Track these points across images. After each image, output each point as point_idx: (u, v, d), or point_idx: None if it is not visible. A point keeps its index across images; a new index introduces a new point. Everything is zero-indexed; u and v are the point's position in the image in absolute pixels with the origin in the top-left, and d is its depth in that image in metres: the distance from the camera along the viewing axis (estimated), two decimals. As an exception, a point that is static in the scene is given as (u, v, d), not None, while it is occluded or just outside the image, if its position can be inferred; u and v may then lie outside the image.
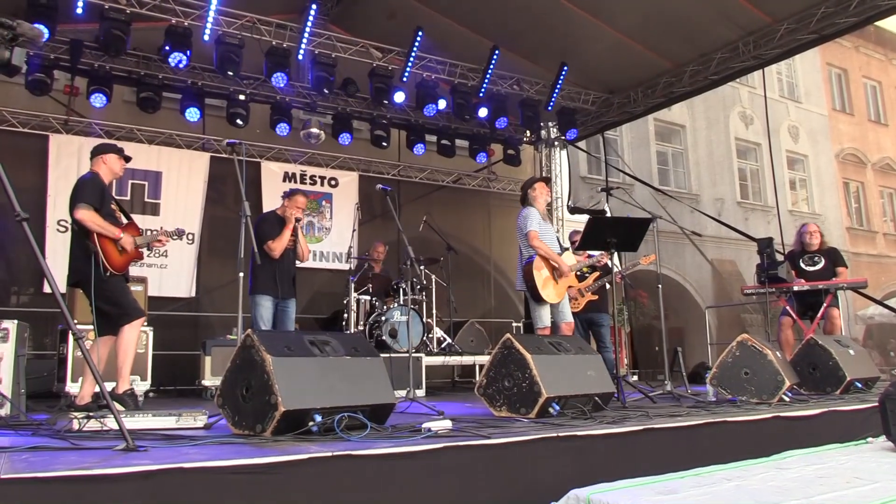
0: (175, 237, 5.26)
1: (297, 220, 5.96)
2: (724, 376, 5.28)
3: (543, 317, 5.70)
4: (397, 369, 6.50)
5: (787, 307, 6.88)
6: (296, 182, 9.88)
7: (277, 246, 5.86)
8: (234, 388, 3.45)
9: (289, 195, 6.06)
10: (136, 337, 4.77)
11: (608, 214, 10.09)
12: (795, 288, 6.80)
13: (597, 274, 7.05)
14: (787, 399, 5.03)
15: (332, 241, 10.08)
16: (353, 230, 8.45)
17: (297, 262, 6.19)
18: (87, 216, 4.64)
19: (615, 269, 6.46)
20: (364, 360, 3.80)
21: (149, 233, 5.10)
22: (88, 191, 4.71)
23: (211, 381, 7.02)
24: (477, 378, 4.92)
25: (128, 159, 5.07)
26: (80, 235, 4.72)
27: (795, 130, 19.19)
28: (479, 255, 11.71)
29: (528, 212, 5.84)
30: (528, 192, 5.96)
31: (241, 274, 4.65)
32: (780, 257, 7.17)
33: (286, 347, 3.48)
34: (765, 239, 6.98)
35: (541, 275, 5.72)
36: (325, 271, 9.99)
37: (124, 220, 4.98)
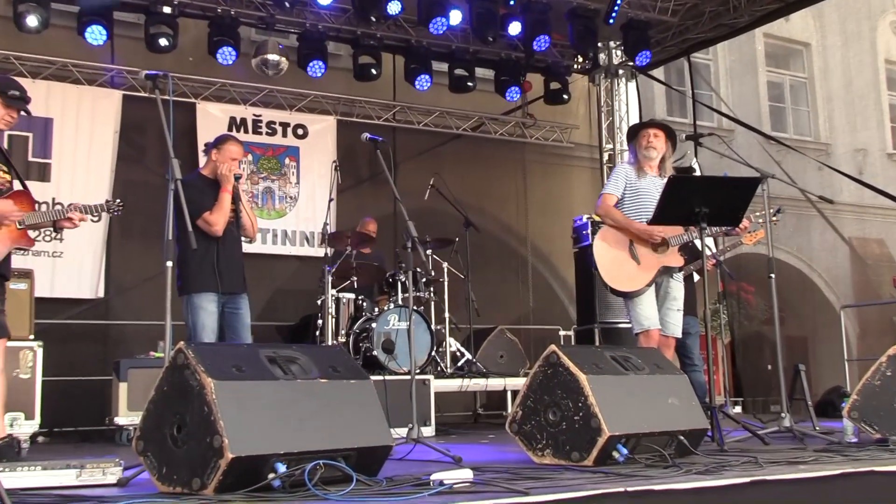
0: (95, 215, 5.28)
1: (237, 178, 5.98)
2: (868, 407, 5.24)
3: (640, 316, 5.82)
4: (395, 398, 6.51)
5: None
6: (247, 132, 9.92)
7: (218, 219, 5.85)
8: (161, 427, 3.46)
9: (216, 144, 6.06)
10: (2, 363, 4.81)
11: (697, 173, 10.04)
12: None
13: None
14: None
15: (299, 215, 10.12)
16: (330, 199, 8.48)
17: (244, 241, 6.20)
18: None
19: (707, 253, 6.42)
20: (347, 384, 3.80)
21: (45, 208, 5.13)
22: None
23: (127, 417, 7.05)
24: (509, 409, 4.92)
25: (22, 101, 5.07)
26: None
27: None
28: (510, 233, 11.74)
29: (615, 169, 6.23)
30: (630, 144, 6.25)
31: (169, 264, 4.66)
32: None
33: (235, 367, 3.48)
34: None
35: (606, 254, 5.84)
36: (291, 259, 10.05)
37: (17, 186, 5.00)
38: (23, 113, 5.11)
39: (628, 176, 6.05)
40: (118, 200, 5.37)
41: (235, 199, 5.97)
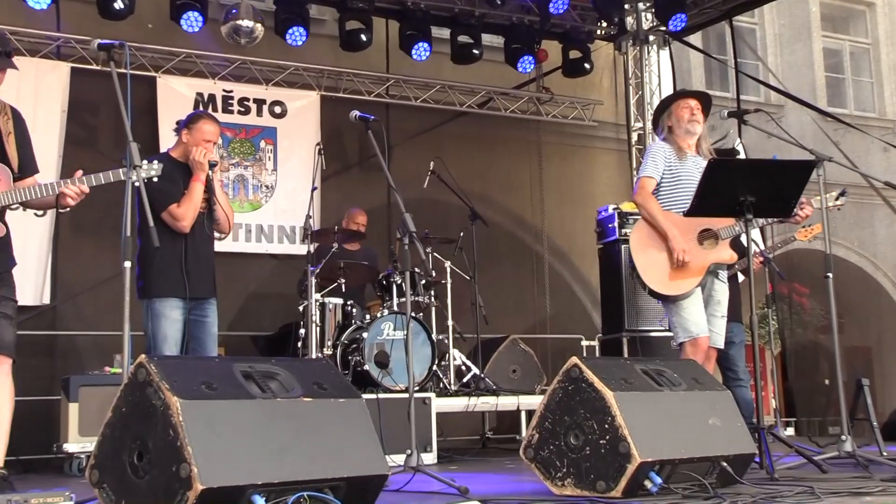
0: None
1: (212, 165, 5.98)
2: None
3: (686, 322, 5.77)
4: (391, 419, 6.53)
5: None
6: (216, 110, 9.89)
7: (187, 212, 5.85)
8: (119, 454, 3.48)
9: (187, 123, 6.05)
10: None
11: (741, 155, 10.04)
12: None
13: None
14: None
15: (277, 207, 10.14)
16: (314, 189, 8.47)
17: (216, 238, 6.22)
18: None
19: (754, 249, 6.42)
20: (334, 403, 3.83)
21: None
22: None
23: (79, 444, 7.06)
24: (523, 433, 4.93)
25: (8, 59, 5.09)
26: None
27: None
28: (523, 227, 11.76)
29: (651, 148, 6.13)
30: (661, 119, 6.19)
31: (128, 264, 4.66)
32: None
33: (205, 385, 3.50)
34: None
35: (645, 250, 5.81)
36: (267, 259, 10.08)
37: None
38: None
39: (667, 157, 6.00)
40: (151, 167, 4.96)
41: (209, 189, 5.98)
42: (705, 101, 6.16)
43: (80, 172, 4.88)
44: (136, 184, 4.65)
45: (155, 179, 5.03)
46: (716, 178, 5.36)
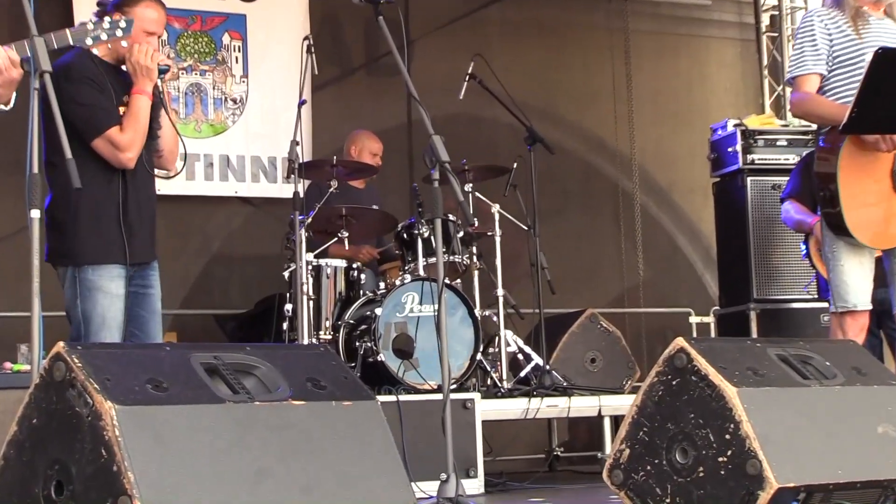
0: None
1: (162, 71, 5.97)
2: None
3: (846, 287, 5.74)
4: (418, 430, 6.62)
5: None
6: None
7: (133, 140, 5.85)
8: (30, 484, 3.50)
9: (119, 5, 5.98)
10: None
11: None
12: None
13: None
14: None
15: (249, 130, 10.19)
16: (301, 102, 8.46)
17: (159, 176, 6.31)
18: None
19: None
20: (337, 408, 3.85)
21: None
22: None
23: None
24: (607, 448, 4.95)
25: None
26: None
27: None
28: (604, 154, 11.71)
29: (804, 24, 6.00)
30: None
31: (35, 214, 4.68)
32: None
33: (152, 384, 3.52)
34: None
35: (855, 183, 5.69)
36: (236, 204, 10.15)
37: None
38: None
39: (831, 32, 5.83)
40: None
41: (156, 108, 6.02)
42: None
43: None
44: (45, 95, 4.67)
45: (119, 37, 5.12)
46: (881, 73, 5.34)
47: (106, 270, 5.81)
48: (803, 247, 7.84)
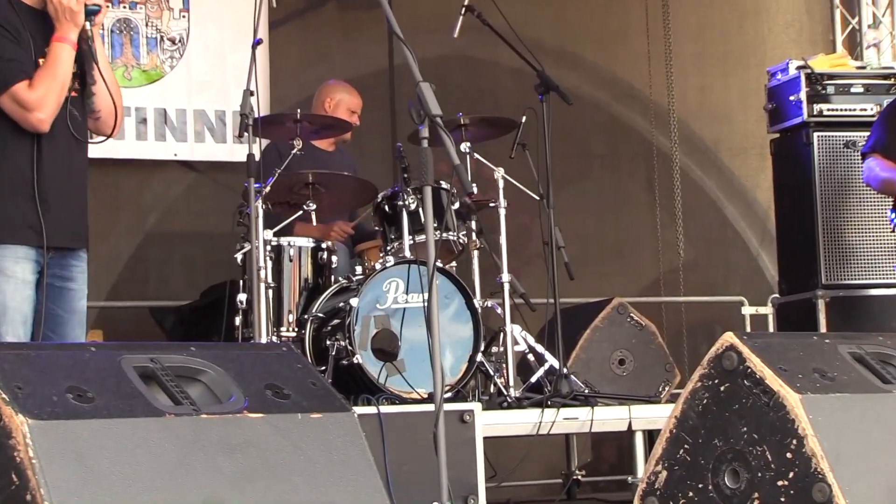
0: None
1: (91, 11, 5.95)
2: None
3: None
4: (404, 449, 6.63)
5: None
6: None
7: (45, 97, 5.89)
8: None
9: None
10: None
11: None
12: None
13: None
14: None
15: (192, 77, 10.26)
16: (256, 42, 8.42)
17: (93, 140, 6.29)
18: None
19: None
20: (304, 422, 3.85)
21: None
22: None
23: None
24: (640, 470, 4.95)
25: None
26: None
27: None
28: (635, 105, 11.76)
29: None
30: None
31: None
32: None
33: (73, 394, 3.52)
34: None
35: None
36: (175, 169, 10.22)
37: None
38: None
39: None
40: None
41: (86, 59, 5.98)
42: None
43: None
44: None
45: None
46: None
47: (10, 251, 5.86)
48: (891, 215, 7.86)
